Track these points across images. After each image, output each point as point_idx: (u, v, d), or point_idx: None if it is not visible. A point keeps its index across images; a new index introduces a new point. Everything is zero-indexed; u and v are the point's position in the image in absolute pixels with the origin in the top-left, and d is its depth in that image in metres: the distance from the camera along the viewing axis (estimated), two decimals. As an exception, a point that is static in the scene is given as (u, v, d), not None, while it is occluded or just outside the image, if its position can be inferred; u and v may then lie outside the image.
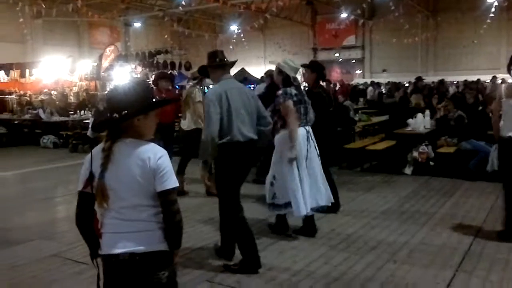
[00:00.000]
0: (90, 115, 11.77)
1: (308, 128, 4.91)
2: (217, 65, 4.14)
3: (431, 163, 8.10)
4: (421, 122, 8.63)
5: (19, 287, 3.93)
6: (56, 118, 13.30)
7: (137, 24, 30.87)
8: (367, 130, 11.13)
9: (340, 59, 32.86)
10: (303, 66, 5.86)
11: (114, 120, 2.07)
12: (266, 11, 24.51)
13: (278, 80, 4.92)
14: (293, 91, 4.75)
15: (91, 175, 2.09)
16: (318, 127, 5.14)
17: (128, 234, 2.06)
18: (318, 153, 4.95)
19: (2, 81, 20.05)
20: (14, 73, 19.74)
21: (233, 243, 4.29)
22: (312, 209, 4.84)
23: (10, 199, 7.29)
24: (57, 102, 14.95)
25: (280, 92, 4.79)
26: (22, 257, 4.59)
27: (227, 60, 4.22)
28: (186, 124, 6.90)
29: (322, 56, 33.00)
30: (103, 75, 19.97)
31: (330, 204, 5.14)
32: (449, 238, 4.86)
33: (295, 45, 32.31)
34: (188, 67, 23.82)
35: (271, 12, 24.64)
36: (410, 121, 8.77)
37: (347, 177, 8.17)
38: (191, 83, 7.36)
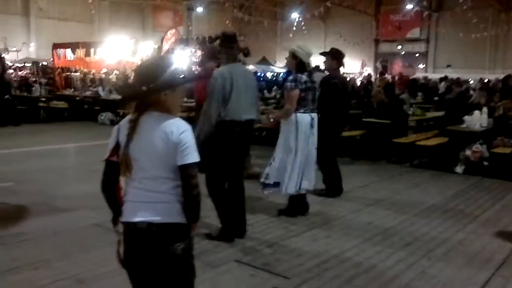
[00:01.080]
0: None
1: (314, 115, 5.09)
2: (231, 48, 4.42)
3: (485, 163, 7.76)
4: (477, 120, 8.26)
5: (59, 250, 4.15)
6: (114, 96, 13.80)
7: (199, 9, 31.33)
8: (421, 125, 10.79)
9: (403, 52, 31.88)
10: (323, 53, 5.97)
11: (141, 93, 2.13)
12: (327, 0, 24.14)
13: (292, 65, 5.08)
14: (304, 78, 4.94)
15: (117, 145, 2.18)
16: (329, 117, 5.49)
17: (148, 204, 2.13)
18: (316, 141, 5.17)
19: (68, 59, 21.07)
20: (80, 52, 20.70)
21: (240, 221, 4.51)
22: (307, 190, 5.22)
23: (63, 169, 7.68)
24: (113, 81, 15.48)
25: (290, 77, 5.00)
26: (66, 224, 4.85)
27: (240, 45, 4.59)
28: None
29: (383, 48, 32.24)
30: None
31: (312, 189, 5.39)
32: (490, 242, 4.65)
33: (356, 35, 31.63)
34: (246, 53, 23.94)
35: (333, 0, 24.25)
36: (466, 118, 8.42)
37: (394, 171, 8.01)
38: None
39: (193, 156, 2.11)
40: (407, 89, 14.55)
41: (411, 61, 32.10)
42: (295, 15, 30.58)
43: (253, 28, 32.49)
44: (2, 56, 10.31)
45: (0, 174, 6.89)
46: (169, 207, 2.14)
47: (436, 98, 13.83)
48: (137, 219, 2.12)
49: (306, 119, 5.00)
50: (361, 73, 28.74)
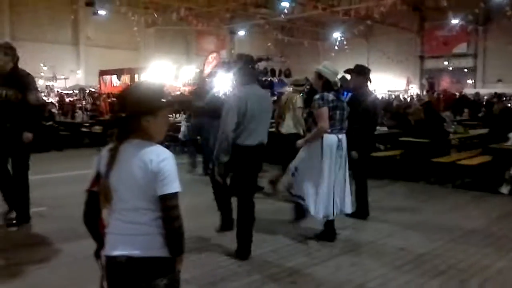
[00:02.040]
0: (183, 119, 12.05)
1: (341, 136, 4.88)
2: (248, 70, 4.46)
3: (533, 183, 7.24)
4: (523, 137, 7.75)
5: (78, 277, 4.12)
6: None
7: (241, 33, 31.72)
8: (465, 143, 10.25)
9: (450, 68, 30.94)
10: (347, 71, 5.82)
11: (120, 119, 2.04)
12: (368, 18, 23.84)
13: (318, 85, 4.97)
14: (330, 97, 4.80)
15: (98, 175, 2.09)
16: (357, 136, 5.30)
17: (128, 236, 2.02)
18: (347, 162, 4.98)
19: (114, 85, 21.75)
20: (125, 78, 21.33)
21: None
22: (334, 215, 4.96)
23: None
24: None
25: (317, 96, 4.85)
26: (86, 250, 4.73)
27: (257, 68, 4.58)
28: (284, 128, 7.03)
29: (429, 64, 31.45)
30: (206, 81, 20.72)
31: (351, 212, 5.21)
32: (534, 270, 4.25)
33: (400, 52, 31.03)
34: (287, 74, 23.93)
35: (374, 19, 23.91)
36: (511, 135, 7.92)
37: (433, 192, 7.60)
38: (291, 89, 7.85)
39: (173, 185, 1.99)
40: (450, 106, 14.02)
41: (459, 77, 31.09)
42: (336, 35, 30.40)
43: (295, 49, 32.54)
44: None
45: (35, 198, 7.03)
46: (150, 239, 2.01)
47: (480, 115, 13.20)
48: (116, 252, 2.02)
49: (332, 140, 4.80)
50: (406, 91, 28.10)
